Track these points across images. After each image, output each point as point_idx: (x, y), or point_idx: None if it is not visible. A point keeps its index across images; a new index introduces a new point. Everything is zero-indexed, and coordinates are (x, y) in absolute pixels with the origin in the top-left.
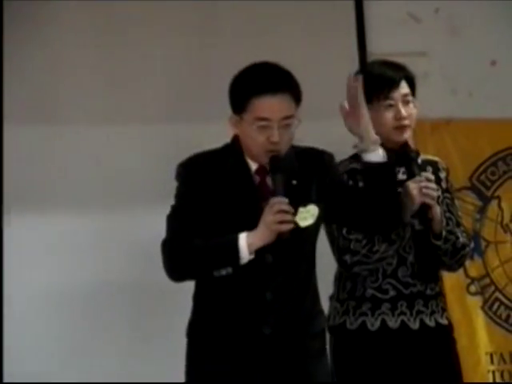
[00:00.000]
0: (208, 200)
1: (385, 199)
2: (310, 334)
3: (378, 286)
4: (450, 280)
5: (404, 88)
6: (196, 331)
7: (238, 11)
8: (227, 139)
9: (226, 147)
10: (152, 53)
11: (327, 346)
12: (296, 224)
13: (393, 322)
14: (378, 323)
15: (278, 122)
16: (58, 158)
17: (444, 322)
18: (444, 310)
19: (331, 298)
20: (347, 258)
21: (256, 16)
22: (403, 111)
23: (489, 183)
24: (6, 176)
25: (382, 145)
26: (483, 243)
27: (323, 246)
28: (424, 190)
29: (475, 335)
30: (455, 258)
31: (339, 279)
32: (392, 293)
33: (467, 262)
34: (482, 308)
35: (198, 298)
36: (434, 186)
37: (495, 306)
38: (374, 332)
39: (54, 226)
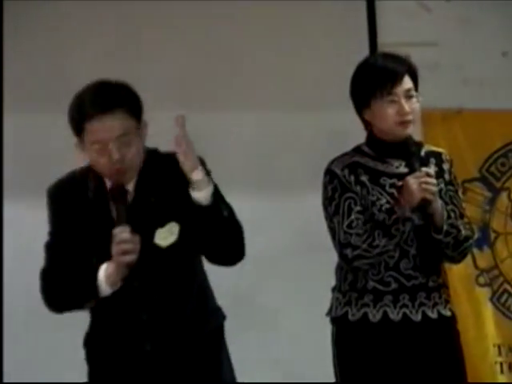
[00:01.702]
0: (74, 227)
1: (217, 235)
2: (206, 332)
3: (379, 279)
4: (459, 271)
5: (407, 83)
6: (90, 343)
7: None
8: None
9: (88, 168)
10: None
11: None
12: (157, 245)
13: (394, 315)
14: (379, 315)
15: (114, 141)
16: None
17: (447, 313)
18: (447, 301)
19: (333, 289)
20: (348, 252)
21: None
22: (406, 107)
23: (499, 174)
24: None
25: (385, 140)
26: (492, 234)
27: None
28: (424, 186)
29: (483, 326)
30: (457, 251)
31: (340, 270)
32: (394, 285)
33: (476, 253)
34: (491, 299)
35: (92, 311)
36: (434, 181)
37: (504, 298)
38: (375, 323)
39: None
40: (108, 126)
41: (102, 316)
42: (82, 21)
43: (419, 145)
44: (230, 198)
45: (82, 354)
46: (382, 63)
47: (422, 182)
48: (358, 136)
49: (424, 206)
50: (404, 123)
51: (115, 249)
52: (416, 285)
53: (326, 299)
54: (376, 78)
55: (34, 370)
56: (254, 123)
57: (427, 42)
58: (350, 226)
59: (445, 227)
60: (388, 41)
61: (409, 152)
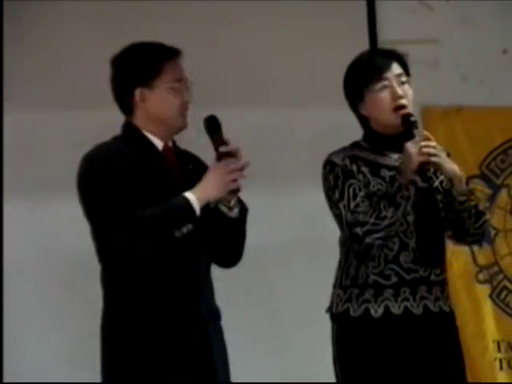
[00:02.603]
0: (129, 184)
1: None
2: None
3: (380, 272)
4: (459, 268)
5: (397, 69)
6: (121, 320)
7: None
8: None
9: (123, 135)
10: None
11: None
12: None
13: (396, 308)
14: (381, 310)
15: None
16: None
17: (447, 309)
18: (448, 298)
19: (334, 285)
20: (358, 230)
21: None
22: (399, 90)
23: (498, 171)
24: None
25: (382, 133)
26: (492, 231)
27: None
28: (424, 149)
29: (483, 323)
30: (478, 222)
31: (342, 266)
32: (394, 279)
33: (476, 250)
34: (490, 296)
35: (115, 282)
36: (433, 143)
37: (503, 294)
38: (377, 319)
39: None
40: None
41: (142, 281)
42: (82, 21)
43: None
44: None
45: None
46: (369, 56)
47: (421, 146)
48: (358, 132)
49: (424, 170)
50: (400, 108)
51: (228, 176)
52: (416, 278)
53: (325, 295)
54: (365, 69)
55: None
56: (251, 120)
57: (427, 40)
58: (357, 206)
59: (465, 187)
60: (388, 38)
61: (409, 121)
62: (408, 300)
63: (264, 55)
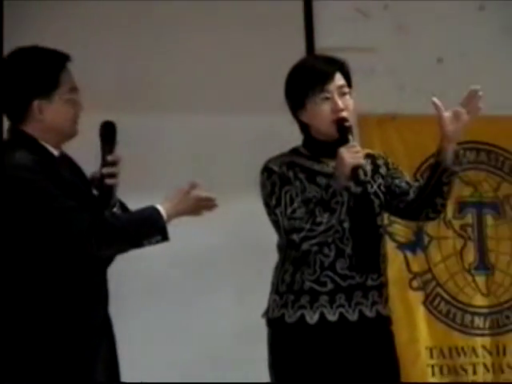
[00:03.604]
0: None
1: None
2: None
3: (315, 279)
4: (393, 274)
5: (339, 80)
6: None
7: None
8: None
9: (21, 144)
10: None
11: None
12: None
13: (331, 315)
14: (316, 316)
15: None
16: None
17: (386, 312)
18: (386, 301)
19: (270, 290)
20: (294, 237)
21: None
22: (340, 103)
23: None
24: None
25: (321, 140)
26: (426, 238)
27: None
28: (355, 155)
29: (416, 329)
30: (448, 200)
31: (279, 272)
32: (330, 285)
33: (410, 257)
34: (424, 303)
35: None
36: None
37: (436, 301)
38: (312, 325)
39: None
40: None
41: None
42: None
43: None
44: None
45: None
46: (313, 63)
47: (353, 151)
48: (293, 138)
49: (357, 174)
50: (340, 121)
51: (201, 204)
52: (352, 284)
53: (261, 301)
54: (307, 77)
55: None
56: (188, 125)
57: (364, 48)
58: (293, 212)
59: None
60: (325, 45)
61: (343, 127)
62: (343, 306)
63: (196, 61)
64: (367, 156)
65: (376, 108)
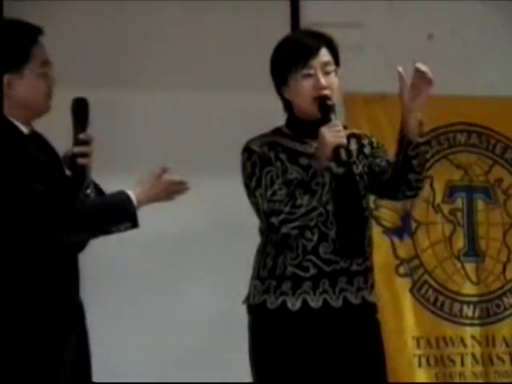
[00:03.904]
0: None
1: None
2: None
3: (298, 264)
4: (378, 260)
5: (325, 56)
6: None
7: None
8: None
9: None
10: None
11: None
12: None
13: (314, 302)
14: (299, 303)
15: None
16: None
17: (372, 299)
18: (372, 286)
19: (252, 275)
20: (273, 220)
21: None
22: (322, 80)
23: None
24: None
25: (304, 119)
26: (414, 224)
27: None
28: (336, 134)
29: (402, 318)
30: (423, 174)
31: (260, 256)
32: (313, 271)
33: (396, 242)
34: (411, 290)
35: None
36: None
37: (424, 289)
38: (294, 312)
39: None
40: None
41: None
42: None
43: (344, 128)
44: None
45: None
46: (298, 37)
47: (334, 130)
48: (277, 117)
49: (339, 154)
50: (321, 98)
51: (173, 188)
52: (336, 270)
53: (242, 286)
54: (291, 51)
55: None
56: (166, 103)
57: (351, 23)
58: (273, 194)
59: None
60: (310, 20)
61: (325, 105)
62: (327, 292)
63: (177, 38)
64: (352, 136)
65: (364, 87)
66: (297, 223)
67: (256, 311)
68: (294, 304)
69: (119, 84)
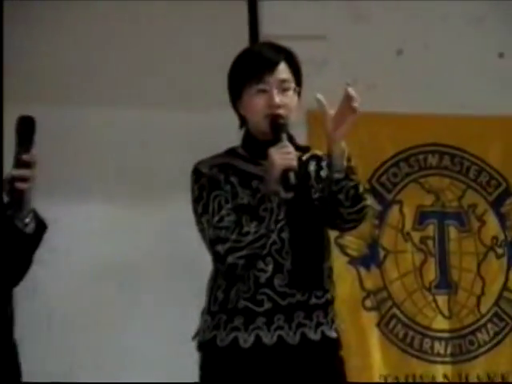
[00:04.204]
0: None
1: None
2: None
3: (251, 297)
4: (343, 292)
5: (283, 72)
6: None
7: None
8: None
9: None
10: None
11: None
12: None
13: (268, 338)
14: (251, 339)
15: None
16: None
17: (333, 334)
18: (333, 321)
19: (202, 311)
20: (219, 248)
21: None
22: (277, 98)
23: (390, 186)
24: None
25: (259, 139)
26: (382, 252)
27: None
28: (285, 156)
29: (369, 355)
30: (357, 206)
31: (211, 289)
32: (267, 305)
33: (363, 273)
34: (378, 325)
35: None
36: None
37: (392, 324)
38: (246, 349)
39: None
40: None
41: None
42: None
43: (306, 149)
44: (88, 202)
45: None
46: (257, 50)
47: (283, 152)
48: (234, 135)
49: (287, 177)
50: (274, 117)
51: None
52: (293, 303)
53: (193, 321)
54: (247, 64)
55: None
56: (116, 120)
57: (315, 36)
58: (220, 220)
59: (345, 164)
60: (271, 32)
61: (277, 124)
62: (282, 328)
63: (131, 52)
64: (313, 157)
65: (328, 104)
66: (244, 252)
67: (206, 348)
68: (246, 341)
69: (69, 100)
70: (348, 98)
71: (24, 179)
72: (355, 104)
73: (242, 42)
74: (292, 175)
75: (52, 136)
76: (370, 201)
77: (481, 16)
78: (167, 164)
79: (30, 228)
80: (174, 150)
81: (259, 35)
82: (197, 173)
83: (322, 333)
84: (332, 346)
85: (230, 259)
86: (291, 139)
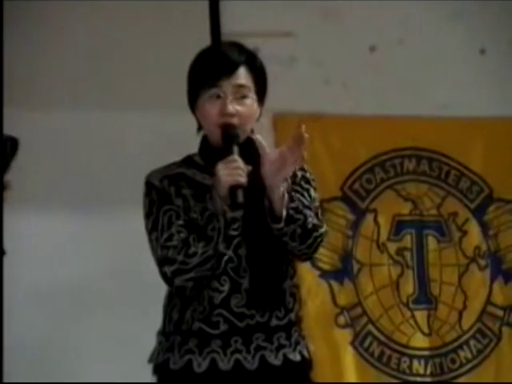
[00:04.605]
0: None
1: None
2: None
3: (205, 318)
4: (315, 308)
5: (241, 77)
6: None
7: None
8: None
9: None
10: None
11: None
12: None
13: (224, 363)
14: (206, 363)
15: None
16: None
17: (296, 358)
18: (298, 342)
19: (158, 332)
20: (166, 269)
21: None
22: (229, 107)
23: (364, 193)
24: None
25: (216, 147)
26: (356, 265)
27: None
28: (233, 171)
29: (343, 375)
30: (306, 243)
31: (166, 309)
32: (223, 327)
33: (335, 288)
34: (352, 343)
35: None
36: (242, 167)
37: (367, 342)
38: (200, 374)
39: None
40: None
41: None
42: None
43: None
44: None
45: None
46: (216, 50)
47: (231, 167)
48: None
49: (235, 194)
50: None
51: None
52: (251, 325)
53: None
54: (204, 66)
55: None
56: (65, 125)
57: (282, 33)
58: (168, 239)
59: (285, 212)
60: (234, 30)
61: (228, 135)
62: (240, 352)
63: (84, 52)
64: None
65: (296, 106)
66: (191, 274)
67: (160, 371)
68: (200, 365)
69: (30, 101)
70: (297, 142)
71: None
72: (300, 153)
73: (204, 40)
74: (240, 193)
75: None
76: (324, 228)
77: (460, 9)
78: (123, 174)
79: None
80: (128, 158)
81: (221, 32)
82: (148, 185)
83: (284, 356)
84: (296, 371)
85: (178, 281)
86: (252, 147)
